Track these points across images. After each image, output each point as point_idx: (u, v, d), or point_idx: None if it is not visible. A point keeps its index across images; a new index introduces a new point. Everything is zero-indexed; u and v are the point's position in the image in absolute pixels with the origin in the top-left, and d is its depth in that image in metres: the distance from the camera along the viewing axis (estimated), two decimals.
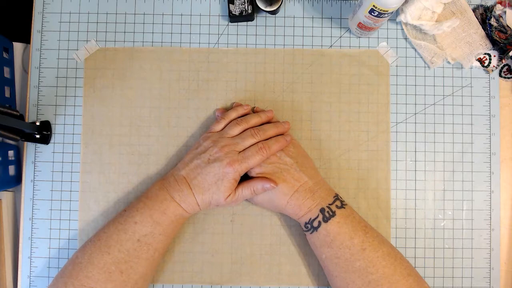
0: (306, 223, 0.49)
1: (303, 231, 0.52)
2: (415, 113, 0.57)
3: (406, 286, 0.46)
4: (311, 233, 0.49)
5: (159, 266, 0.55)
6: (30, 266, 0.55)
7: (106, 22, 0.58)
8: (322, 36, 0.58)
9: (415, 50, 0.57)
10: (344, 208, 0.49)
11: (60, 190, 0.56)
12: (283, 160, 0.50)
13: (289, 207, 0.49)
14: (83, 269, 0.46)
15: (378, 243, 0.48)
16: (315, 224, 0.49)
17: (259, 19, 0.58)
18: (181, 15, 0.58)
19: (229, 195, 0.49)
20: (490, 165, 0.56)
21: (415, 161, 0.56)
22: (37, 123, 0.56)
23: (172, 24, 0.58)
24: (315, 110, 0.57)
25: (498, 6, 0.56)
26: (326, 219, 0.48)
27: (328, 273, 0.50)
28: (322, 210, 0.49)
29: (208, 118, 0.57)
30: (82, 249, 0.48)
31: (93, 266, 0.46)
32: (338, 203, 0.49)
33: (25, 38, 0.59)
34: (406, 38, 0.57)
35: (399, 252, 0.49)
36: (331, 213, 0.49)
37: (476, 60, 0.57)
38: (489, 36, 0.56)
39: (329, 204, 0.49)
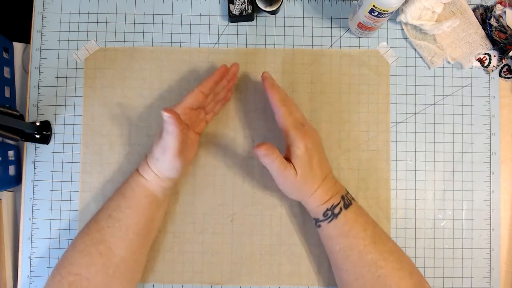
0: (327, 209, 0.49)
1: (317, 222, 0.50)
2: (415, 113, 0.57)
3: (411, 284, 0.47)
4: (329, 221, 0.49)
5: (160, 266, 0.55)
6: (30, 266, 0.55)
7: (106, 22, 0.58)
8: (322, 36, 0.58)
9: (415, 50, 0.57)
10: (354, 200, 0.51)
11: (60, 190, 0.56)
12: (315, 143, 0.50)
13: (318, 193, 0.49)
14: (67, 257, 0.48)
15: (386, 237, 0.50)
16: (336, 210, 0.49)
17: (259, 19, 0.58)
18: (181, 15, 0.58)
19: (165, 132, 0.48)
20: (490, 165, 0.56)
21: (415, 161, 0.56)
22: (37, 123, 0.56)
23: (172, 24, 0.58)
24: (315, 110, 0.57)
25: (498, 6, 0.56)
26: (346, 206, 0.49)
27: (338, 267, 0.50)
28: (343, 197, 0.50)
29: None
30: (72, 240, 0.51)
31: (74, 250, 0.48)
32: (350, 194, 0.51)
33: (25, 38, 0.59)
34: (406, 38, 0.57)
35: (401, 249, 0.50)
36: (349, 202, 0.50)
37: (476, 60, 0.57)
38: (489, 36, 0.56)
39: (347, 193, 0.50)
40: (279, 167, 0.47)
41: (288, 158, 0.48)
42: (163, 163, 0.48)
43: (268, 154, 0.46)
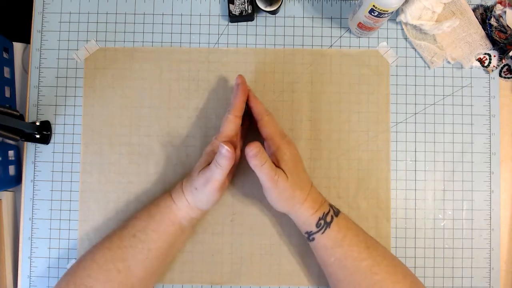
0: (320, 219, 0.48)
1: (310, 235, 0.49)
2: (415, 113, 0.57)
3: (407, 285, 0.47)
4: (323, 232, 0.48)
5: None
6: (30, 266, 0.55)
7: (106, 22, 0.58)
8: (322, 36, 0.58)
9: (415, 50, 0.57)
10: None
11: (60, 190, 0.56)
12: (297, 152, 0.50)
13: (309, 201, 0.48)
14: (86, 267, 0.47)
15: (376, 241, 0.49)
16: (328, 219, 0.48)
17: (259, 19, 0.58)
18: (181, 15, 0.58)
19: (201, 171, 0.48)
20: (490, 165, 0.56)
21: (415, 161, 0.56)
22: (37, 123, 0.56)
23: (172, 24, 0.58)
24: (315, 110, 0.57)
25: (498, 6, 0.56)
26: (336, 214, 0.49)
27: (333, 278, 0.49)
28: (330, 206, 0.49)
29: (208, 118, 0.57)
30: (90, 248, 0.50)
31: (93, 262, 0.47)
32: None
33: (25, 38, 0.59)
34: (406, 38, 0.57)
35: (390, 252, 0.50)
36: (336, 209, 0.50)
37: (476, 60, 0.57)
38: (489, 36, 0.56)
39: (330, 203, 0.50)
40: (269, 171, 0.46)
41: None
42: (202, 194, 0.48)
43: (258, 155, 0.45)
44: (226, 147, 0.44)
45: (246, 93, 0.50)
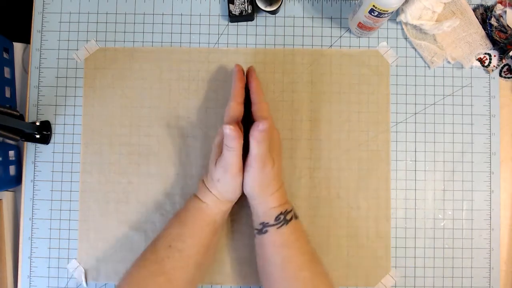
0: (281, 213, 0.48)
1: (264, 227, 0.48)
2: (415, 113, 0.57)
3: None
4: (279, 227, 0.47)
5: None
6: (30, 266, 0.55)
7: (106, 22, 0.58)
8: (322, 36, 0.57)
9: (415, 50, 0.57)
10: None
11: (60, 190, 0.56)
12: (281, 145, 0.51)
13: (278, 192, 0.48)
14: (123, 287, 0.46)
15: (319, 260, 0.49)
16: (288, 216, 0.48)
17: (259, 19, 0.58)
18: (181, 15, 0.58)
19: (217, 161, 0.48)
20: (490, 165, 0.56)
21: (415, 161, 0.56)
22: (37, 123, 0.56)
23: (172, 24, 0.58)
24: (315, 110, 0.57)
25: (499, 6, 0.56)
26: (296, 216, 0.50)
27: (270, 278, 0.48)
28: (293, 207, 0.50)
29: (208, 118, 0.57)
30: (127, 270, 0.48)
31: (130, 282, 0.46)
32: None
33: (25, 38, 0.59)
34: (406, 38, 0.57)
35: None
36: (297, 214, 0.50)
37: (476, 60, 0.57)
38: (489, 36, 0.56)
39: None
40: (266, 152, 0.46)
41: None
42: (225, 183, 0.47)
43: (266, 131, 0.44)
44: (229, 126, 0.43)
45: (243, 80, 0.51)
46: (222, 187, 0.48)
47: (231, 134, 0.44)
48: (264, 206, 0.48)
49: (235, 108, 0.49)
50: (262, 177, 0.47)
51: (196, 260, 0.47)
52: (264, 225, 0.48)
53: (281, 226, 0.48)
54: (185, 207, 0.50)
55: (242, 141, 0.45)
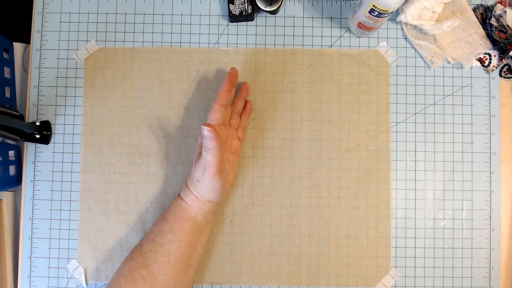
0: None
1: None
2: (415, 113, 0.57)
3: None
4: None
5: None
6: (30, 266, 0.55)
7: (106, 22, 0.58)
8: (322, 36, 0.57)
9: (415, 50, 0.57)
10: None
11: (60, 190, 0.56)
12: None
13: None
14: (113, 283, 0.48)
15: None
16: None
17: (259, 19, 0.58)
18: (181, 15, 0.58)
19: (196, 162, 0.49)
20: (490, 165, 0.56)
21: (415, 161, 0.56)
22: (37, 123, 0.56)
23: (172, 24, 0.58)
24: (315, 110, 0.57)
25: (498, 6, 0.56)
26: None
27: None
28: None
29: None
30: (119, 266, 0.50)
31: (120, 276, 0.48)
32: None
33: (25, 38, 0.59)
34: (406, 38, 0.57)
35: None
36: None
37: (476, 60, 0.57)
38: (489, 36, 0.56)
39: None
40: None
41: None
42: (204, 184, 0.48)
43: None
44: (206, 127, 0.44)
45: (232, 84, 0.51)
46: (202, 188, 0.48)
47: (208, 135, 0.44)
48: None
49: (218, 110, 0.49)
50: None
51: (178, 256, 0.48)
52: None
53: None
54: (169, 205, 0.51)
55: (220, 142, 0.46)
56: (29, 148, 0.57)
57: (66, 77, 0.57)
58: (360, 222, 0.56)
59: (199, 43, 0.57)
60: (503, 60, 0.56)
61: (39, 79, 0.57)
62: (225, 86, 0.51)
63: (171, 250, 0.48)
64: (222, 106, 0.50)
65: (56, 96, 0.57)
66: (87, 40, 0.58)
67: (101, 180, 0.56)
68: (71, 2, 0.58)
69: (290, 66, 0.57)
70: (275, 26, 0.58)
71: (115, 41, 0.57)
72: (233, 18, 0.56)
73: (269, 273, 0.55)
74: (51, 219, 0.56)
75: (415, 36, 0.57)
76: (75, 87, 0.57)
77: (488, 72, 0.57)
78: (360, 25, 0.53)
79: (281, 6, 0.56)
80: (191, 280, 0.51)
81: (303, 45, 0.57)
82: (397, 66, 0.57)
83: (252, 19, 0.57)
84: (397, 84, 0.57)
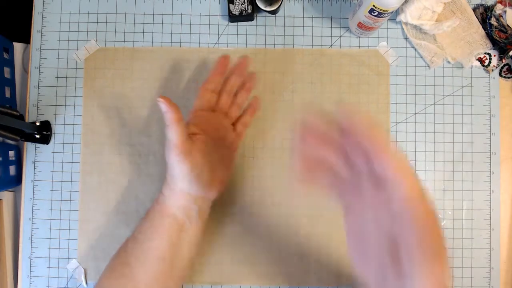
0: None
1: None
2: (415, 113, 0.57)
3: None
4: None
5: None
6: (30, 266, 0.55)
7: (106, 22, 0.58)
8: (322, 36, 0.58)
9: (415, 50, 0.57)
10: None
11: (60, 190, 0.56)
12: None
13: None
14: (102, 278, 0.47)
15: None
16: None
17: (259, 19, 0.58)
18: (181, 15, 0.58)
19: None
20: (490, 165, 0.56)
21: (415, 161, 0.56)
22: (37, 123, 0.56)
23: (172, 24, 0.58)
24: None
25: (499, 6, 0.56)
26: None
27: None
28: None
29: None
30: None
31: (107, 271, 0.47)
32: None
33: (25, 38, 0.59)
34: (406, 38, 0.57)
35: None
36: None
37: (476, 59, 0.57)
38: (489, 36, 0.56)
39: None
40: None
41: None
42: (172, 168, 0.44)
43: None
44: (159, 98, 0.41)
45: (224, 67, 0.50)
46: (172, 174, 0.45)
47: (162, 107, 0.41)
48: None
49: (202, 93, 0.47)
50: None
51: (158, 255, 0.45)
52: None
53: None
54: (152, 203, 0.48)
55: (179, 116, 0.42)
56: (29, 148, 0.57)
57: (66, 77, 0.57)
58: None
59: (199, 43, 0.57)
60: (503, 60, 0.56)
61: (39, 79, 0.57)
62: (215, 69, 0.48)
63: (150, 248, 0.45)
64: (208, 90, 0.47)
65: (56, 96, 0.57)
66: (87, 40, 0.58)
67: (101, 180, 0.56)
68: (71, 2, 0.58)
69: (290, 66, 0.57)
70: (275, 26, 0.58)
71: (115, 41, 0.57)
72: (233, 18, 0.56)
73: (269, 273, 0.55)
74: (51, 219, 0.56)
75: (415, 36, 0.57)
76: (75, 87, 0.57)
77: (488, 72, 0.57)
78: (360, 25, 0.53)
79: (281, 6, 0.56)
80: (179, 284, 0.48)
81: (303, 45, 0.57)
82: (397, 66, 0.57)
83: (252, 19, 0.57)
84: (397, 84, 0.57)
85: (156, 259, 0.45)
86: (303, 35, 0.58)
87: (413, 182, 0.27)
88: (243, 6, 0.56)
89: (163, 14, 0.58)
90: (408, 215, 0.27)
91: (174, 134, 0.43)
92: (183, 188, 0.45)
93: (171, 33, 0.57)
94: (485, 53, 0.57)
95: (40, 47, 0.57)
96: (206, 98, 0.47)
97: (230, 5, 0.56)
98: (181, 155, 0.43)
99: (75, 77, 0.57)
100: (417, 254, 0.27)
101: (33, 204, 0.56)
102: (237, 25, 0.58)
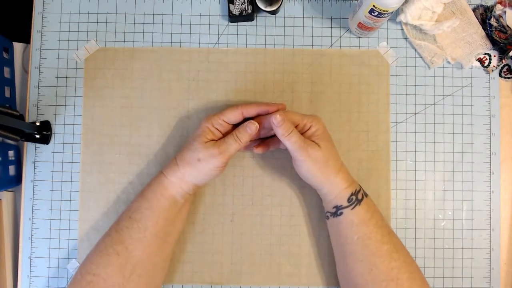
0: (352, 194, 0.49)
1: (339, 210, 0.49)
2: (415, 113, 0.57)
3: (421, 279, 0.48)
4: (353, 208, 0.49)
5: None
6: (30, 266, 0.55)
7: (106, 22, 0.58)
8: (322, 36, 0.58)
9: (415, 50, 0.57)
10: None
11: (60, 190, 0.56)
12: (324, 126, 0.51)
13: (341, 174, 0.49)
14: (89, 256, 0.49)
15: (394, 232, 0.51)
16: (359, 196, 0.49)
17: (259, 19, 0.58)
18: (181, 15, 0.58)
19: (207, 142, 0.48)
20: (490, 165, 0.56)
21: (415, 161, 0.56)
22: (37, 123, 0.56)
23: (172, 24, 0.58)
24: (315, 110, 0.57)
25: (498, 6, 0.56)
26: (366, 194, 0.50)
27: (351, 257, 0.49)
28: (360, 186, 0.51)
29: None
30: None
31: (96, 250, 0.48)
32: None
33: (25, 38, 0.59)
34: (406, 38, 0.57)
35: None
36: (365, 192, 0.51)
37: (476, 60, 0.57)
38: (489, 36, 0.56)
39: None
40: (297, 139, 0.47)
41: None
42: (205, 166, 0.48)
43: (283, 123, 0.46)
44: (256, 124, 0.47)
45: (267, 111, 0.51)
46: (198, 168, 0.48)
47: (252, 132, 0.47)
48: (335, 190, 0.49)
49: (236, 112, 0.49)
50: (314, 162, 0.48)
51: (154, 232, 0.48)
52: (338, 208, 0.49)
53: (355, 206, 0.49)
54: (149, 182, 0.51)
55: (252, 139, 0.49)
56: (29, 148, 0.57)
57: (66, 77, 0.57)
58: None
59: (199, 43, 0.57)
60: (503, 60, 0.56)
61: (39, 79, 0.57)
62: (261, 106, 0.50)
63: (148, 227, 0.48)
64: (242, 115, 0.50)
65: (56, 96, 0.57)
66: (87, 40, 0.58)
67: (101, 180, 0.56)
68: (71, 2, 0.58)
69: (290, 66, 0.57)
70: (275, 26, 0.58)
71: (115, 41, 0.57)
72: (233, 18, 0.56)
73: (269, 273, 0.55)
74: (51, 219, 0.56)
75: (415, 36, 0.57)
76: (75, 87, 0.57)
77: (488, 72, 0.57)
78: (360, 25, 0.53)
79: (281, 6, 0.56)
80: (169, 256, 0.52)
81: (303, 45, 0.57)
82: (397, 66, 0.57)
83: (252, 19, 0.57)
84: (397, 84, 0.57)
85: (152, 236, 0.48)
86: (303, 35, 0.58)
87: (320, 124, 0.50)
88: (243, 6, 0.56)
89: (163, 14, 0.58)
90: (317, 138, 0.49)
91: (236, 150, 0.48)
92: (195, 180, 0.49)
93: (171, 33, 0.57)
94: (485, 54, 0.57)
95: (40, 47, 0.57)
96: (235, 116, 0.50)
97: (230, 5, 0.56)
98: (225, 164, 0.49)
99: (75, 77, 0.57)
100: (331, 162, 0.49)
101: (33, 204, 0.56)
102: (237, 25, 0.58)
